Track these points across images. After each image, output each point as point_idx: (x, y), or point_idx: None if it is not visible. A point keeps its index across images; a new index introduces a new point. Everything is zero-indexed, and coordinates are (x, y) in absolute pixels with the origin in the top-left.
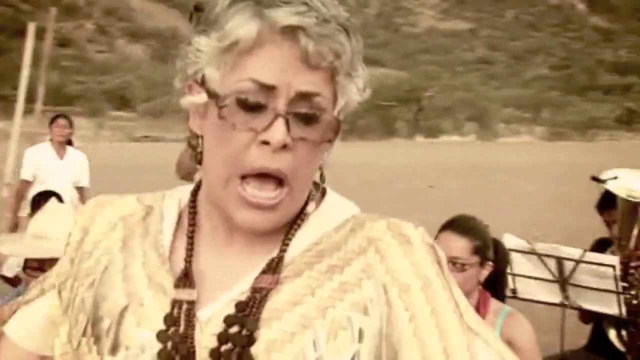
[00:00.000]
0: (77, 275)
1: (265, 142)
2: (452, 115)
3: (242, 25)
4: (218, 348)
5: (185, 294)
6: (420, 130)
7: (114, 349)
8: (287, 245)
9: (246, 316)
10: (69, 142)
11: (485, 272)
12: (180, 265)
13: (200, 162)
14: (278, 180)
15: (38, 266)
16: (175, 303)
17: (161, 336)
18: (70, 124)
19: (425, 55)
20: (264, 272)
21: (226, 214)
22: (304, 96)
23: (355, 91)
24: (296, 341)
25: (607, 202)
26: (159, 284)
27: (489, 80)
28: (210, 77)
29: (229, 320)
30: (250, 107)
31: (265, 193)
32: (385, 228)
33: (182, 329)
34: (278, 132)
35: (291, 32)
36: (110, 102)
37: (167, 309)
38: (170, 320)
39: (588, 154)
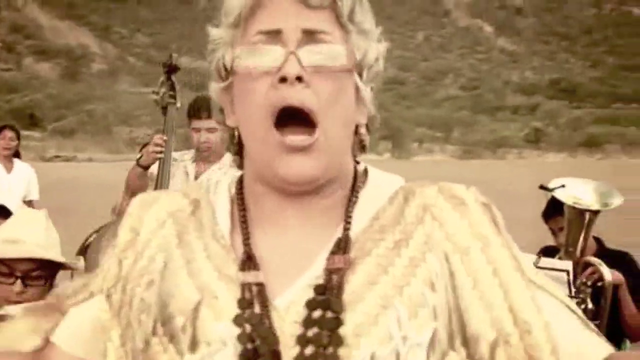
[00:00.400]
0: (128, 276)
1: (282, 79)
2: None
3: None
4: (304, 333)
5: (251, 277)
6: None
7: (194, 346)
8: (350, 222)
9: (328, 299)
10: (16, 155)
11: None
12: (242, 251)
13: (237, 152)
14: (309, 123)
15: (8, 272)
16: (245, 286)
17: (238, 319)
18: (18, 136)
19: None
20: (333, 252)
21: (272, 174)
22: (311, 33)
23: (372, 47)
24: (380, 322)
25: (554, 210)
26: (227, 275)
27: (401, 100)
28: (228, 58)
29: (311, 305)
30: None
31: (300, 137)
32: (437, 192)
33: (257, 310)
34: (291, 66)
35: None
36: (18, 121)
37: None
38: (244, 303)
39: (499, 172)
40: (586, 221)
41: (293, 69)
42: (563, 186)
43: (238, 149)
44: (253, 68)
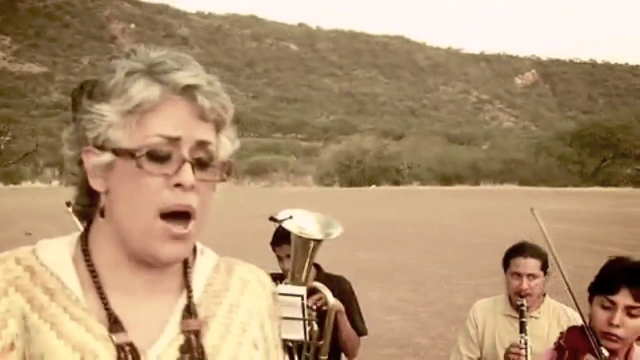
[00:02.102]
0: None
1: (178, 185)
2: (33, 160)
3: (145, 90)
4: None
5: (122, 338)
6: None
7: None
8: (192, 290)
9: (194, 356)
10: None
11: None
12: (101, 312)
13: (99, 216)
14: (188, 216)
15: None
16: (119, 348)
17: None
18: None
19: None
20: (185, 317)
21: (145, 253)
22: (202, 144)
23: (229, 144)
24: None
25: (282, 239)
26: (102, 335)
27: (66, 126)
28: (117, 138)
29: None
30: (161, 158)
31: (182, 228)
32: (249, 272)
33: None
34: (188, 175)
35: (188, 91)
36: None
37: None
38: None
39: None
40: (310, 250)
41: (189, 177)
42: (291, 217)
43: (92, 209)
44: (152, 171)
